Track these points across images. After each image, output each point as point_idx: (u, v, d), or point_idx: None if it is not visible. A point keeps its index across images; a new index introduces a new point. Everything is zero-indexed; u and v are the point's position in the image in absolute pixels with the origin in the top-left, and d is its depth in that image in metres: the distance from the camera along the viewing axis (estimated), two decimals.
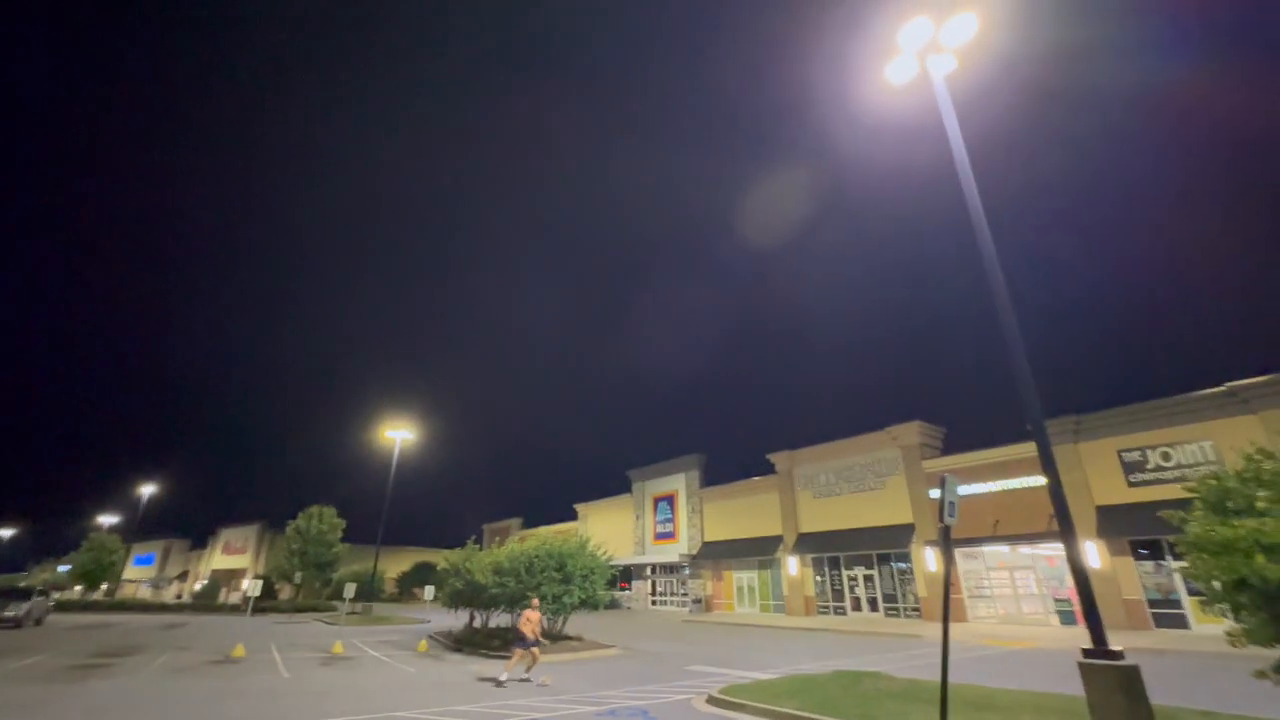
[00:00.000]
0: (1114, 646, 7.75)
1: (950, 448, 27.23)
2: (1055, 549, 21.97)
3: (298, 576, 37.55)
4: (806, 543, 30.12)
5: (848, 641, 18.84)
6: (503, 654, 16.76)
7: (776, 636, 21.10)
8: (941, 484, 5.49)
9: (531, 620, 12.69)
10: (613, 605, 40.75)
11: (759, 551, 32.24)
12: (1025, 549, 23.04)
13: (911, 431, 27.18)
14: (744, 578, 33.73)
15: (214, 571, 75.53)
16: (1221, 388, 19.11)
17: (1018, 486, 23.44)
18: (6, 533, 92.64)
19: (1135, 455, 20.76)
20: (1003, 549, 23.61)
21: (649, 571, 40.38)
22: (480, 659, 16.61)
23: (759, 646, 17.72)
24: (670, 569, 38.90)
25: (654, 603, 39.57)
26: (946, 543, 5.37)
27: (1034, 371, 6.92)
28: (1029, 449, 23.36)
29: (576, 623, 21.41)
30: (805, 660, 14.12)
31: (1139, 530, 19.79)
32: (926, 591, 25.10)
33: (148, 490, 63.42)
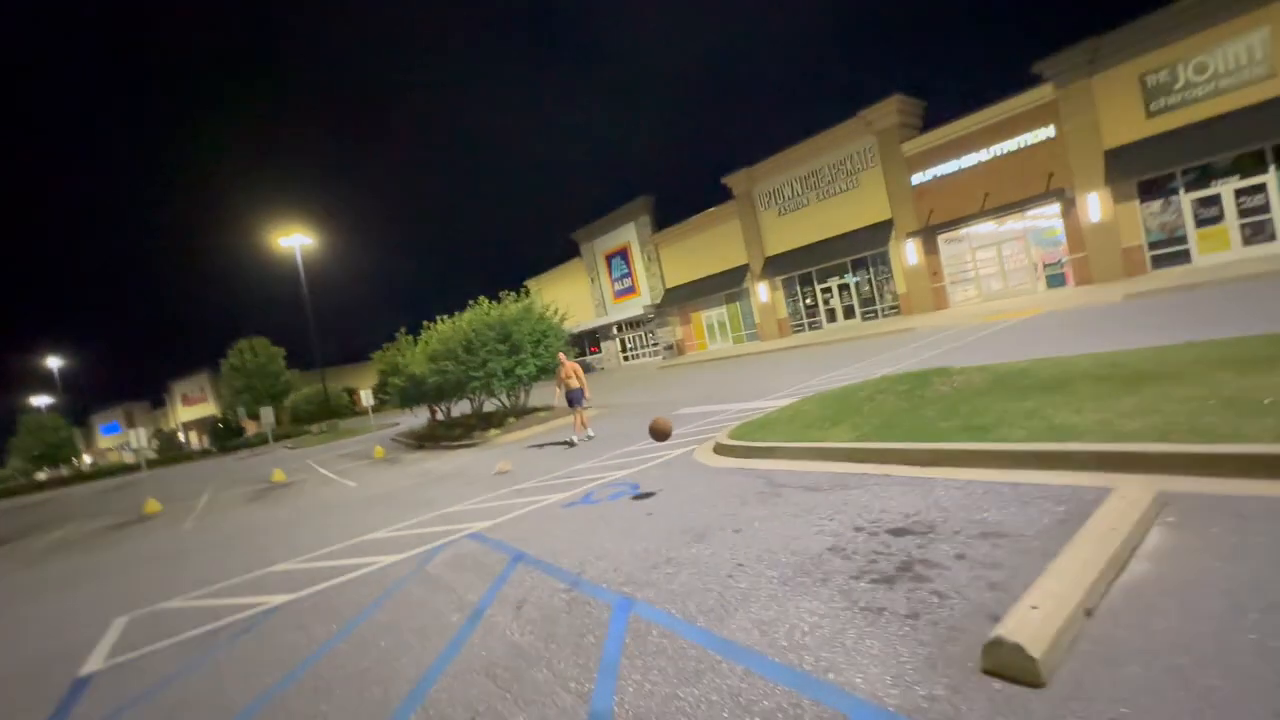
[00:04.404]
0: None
1: (931, 122, 23.22)
2: (1048, 211, 19.79)
3: (241, 412, 35.11)
4: (775, 265, 27.79)
5: (840, 350, 17.20)
6: (464, 443, 14.65)
7: (761, 362, 19.58)
8: None
9: (569, 375, 10.77)
10: (585, 369, 40.28)
11: (725, 286, 30.13)
12: (1015, 223, 20.85)
13: (889, 110, 22.77)
14: (713, 315, 32.27)
15: (184, 423, 74.17)
16: None
17: (1011, 149, 20.22)
18: None
19: (1161, 76, 17.16)
20: (989, 226, 21.39)
21: (615, 330, 38.96)
22: (440, 453, 14.51)
23: (749, 374, 15.89)
24: (636, 323, 37.37)
25: (626, 359, 38.96)
26: None
27: None
28: (1025, 101, 19.66)
29: (544, 392, 19.41)
30: (810, 377, 12.02)
31: (1153, 166, 17.23)
32: (906, 287, 23.56)
33: (57, 364, 57.96)
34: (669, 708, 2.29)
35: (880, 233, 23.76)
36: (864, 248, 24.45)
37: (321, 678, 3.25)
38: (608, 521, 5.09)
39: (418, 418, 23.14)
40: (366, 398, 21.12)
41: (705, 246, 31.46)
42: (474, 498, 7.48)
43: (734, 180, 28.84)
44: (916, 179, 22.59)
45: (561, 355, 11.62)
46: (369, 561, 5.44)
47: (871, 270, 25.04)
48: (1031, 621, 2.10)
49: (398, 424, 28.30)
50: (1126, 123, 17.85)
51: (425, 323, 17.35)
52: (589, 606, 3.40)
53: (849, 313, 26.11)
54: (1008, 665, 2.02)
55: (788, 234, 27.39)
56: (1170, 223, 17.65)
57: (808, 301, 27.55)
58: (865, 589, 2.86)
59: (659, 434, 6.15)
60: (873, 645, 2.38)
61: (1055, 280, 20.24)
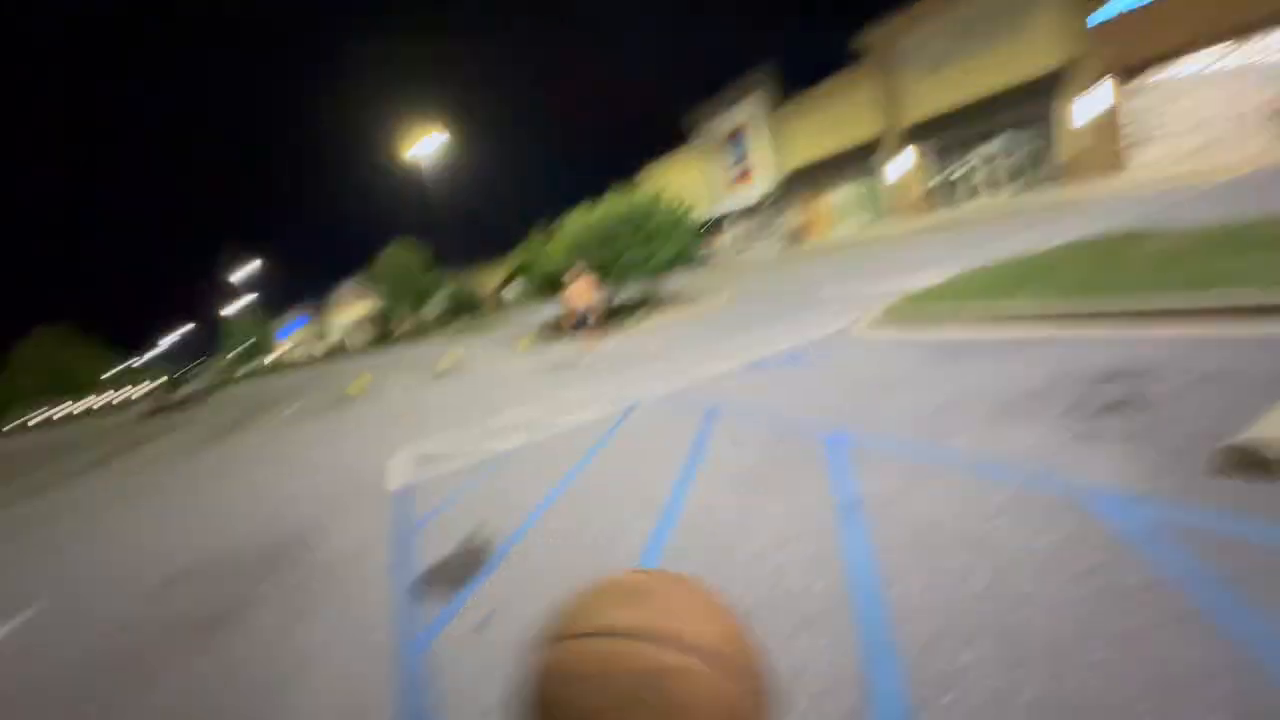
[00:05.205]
0: None
1: None
2: None
3: (397, 310, 39.47)
4: (915, 135, 25.19)
5: (995, 228, 15.83)
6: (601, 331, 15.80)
7: (900, 244, 18.54)
8: None
9: (580, 293, 10.24)
10: (695, 262, 40.08)
11: (855, 163, 27.99)
12: (1232, 61, 17.00)
13: None
14: (840, 196, 30.36)
15: (351, 320, 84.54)
16: None
17: None
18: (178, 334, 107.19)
19: None
20: (1193, 68, 17.65)
21: (730, 219, 37.99)
22: (579, 341, 15.80)
23: (890, 257, 15.26)
24: (753, 210, 36.11)
25: (741, 250, 38.21)
26: None
27: None
28: None
29: (670, 285, 20.00)
30: (963, 255, 11.40)
31: None
32: (1075, 151, 20.56)
33: (256, 269, 67.15)
34: (908, 497, 2.84)
35: (1046, 87, 20.55)
36: (1024, 107, 21.37)
37: (590, 481, 4.21)
38: (780, 384, 5.62)
39: (551, 312, 24.84)
40: (506, 293, 22.87)
41: (833, 120, 29.00)
42: (637, 371, 8.35)
43: (868, 39, 25.76)
44: (1096, 18, 18.88)
45: (578, 267, 10.92)
46: (572, 417, 6.48)
47: (1032, 133, 22.00)
48: (1274, 427, 2.33)
49: (534, 318, 30.59)
50: None
51: (557, 217, 18.20)
52: (800, 438, 4.01)
53: (1004, 184, 23.46)
54: (1245, 462, 2.31)
55: (931, 98, 24.43)
56: None
57: (953, 175, 25.01)
58: (1078, 423, 3.17)
59: None
60: (1094, 457, 2.74)
61: None
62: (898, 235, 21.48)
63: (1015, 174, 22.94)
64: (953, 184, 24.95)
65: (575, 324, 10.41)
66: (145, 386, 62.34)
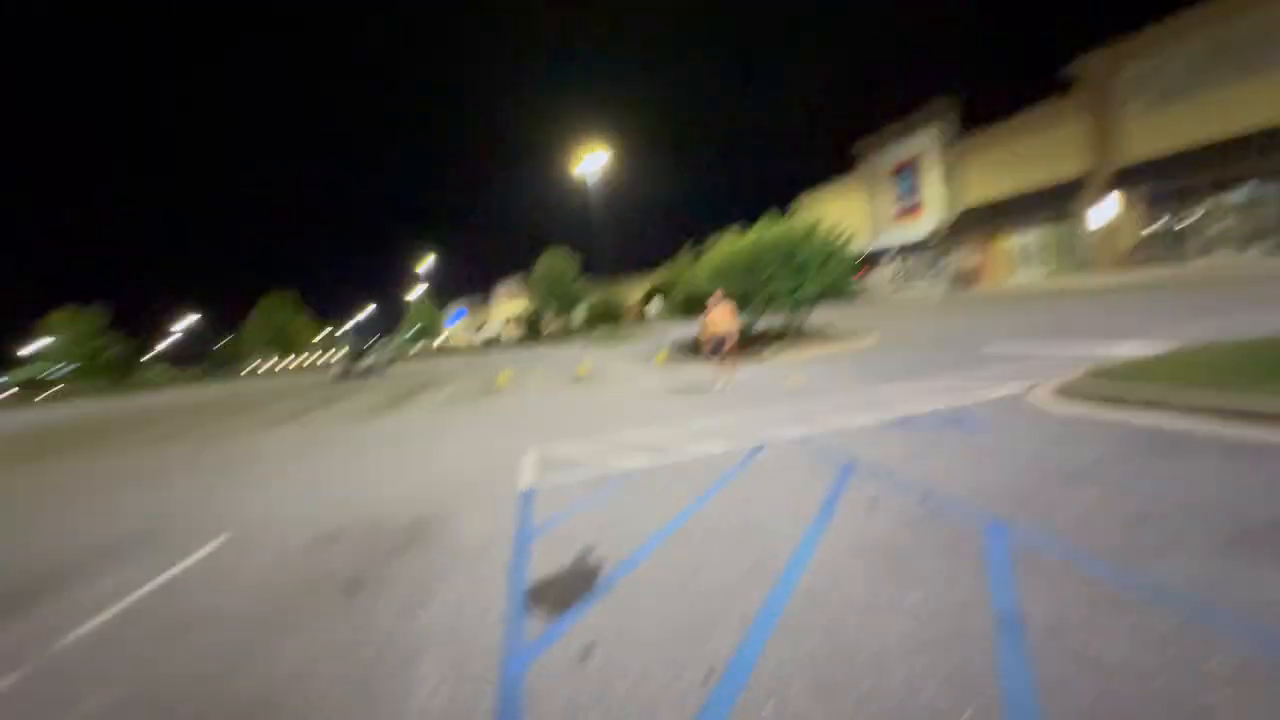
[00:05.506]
0: None
1: None
2: None
3: (546, 312, 42.17)
4: (1128, 177, 21.80)
5: (1234, 294, 13.11)
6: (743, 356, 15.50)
7: (1095, 301, 16.06)
8: None
9: (720, 317, 10.22)
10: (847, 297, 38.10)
11: (1048, 205, 24.87)
12: None
13: None
14: (1023, 241, 27.16)
15: (506, 318, 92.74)
16: None
17: None
18: (367, 310, 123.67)
19: None
20: None
21: (888, 257, 35.63)
22: (717, 364, 15.62)
23: (1080, 316, 13.27)
24: (917, 248, 33.56)
25: (897, 290, 35.61)
26: None
27: None
28: None
29: (813, 319, 19.13)
30: (1188, 324, 9.55)
31: None
32: None
33: (433, 263, 76.06)
34: (1093, 628, 2.33)
35: None
36: None
37: (708, 522, 4.06)
38: (936, 449, 5.02)
39: (688, 331, 25.01)
40: (654, 307, 23.45)
41: (1024, 155, 26.11)
42: (770, 408, 8.00)
43: (1086, 66, 22.86)
44: None
45: (720, 292, 10.74)
46: (698, 447, 6.35)
47: None
48: None
49: (671, 334, 31.04)
50: None
51: (706, 239, 18.30)
52: (952, 520, 3.52)
53: (1245, 243, 19.44)
54: None
55: (1155, 135, 21.03)
56: None
57: (1175, 226, 21.24)
58: None
59: None
60: None
61: None
62: (1092, 290, 18.64)
63: (1261, 232, 18.92)
64: (1176, 236, 21.17)
65: (712, 348, 10.37)
66: (335, 354, 73.63)
